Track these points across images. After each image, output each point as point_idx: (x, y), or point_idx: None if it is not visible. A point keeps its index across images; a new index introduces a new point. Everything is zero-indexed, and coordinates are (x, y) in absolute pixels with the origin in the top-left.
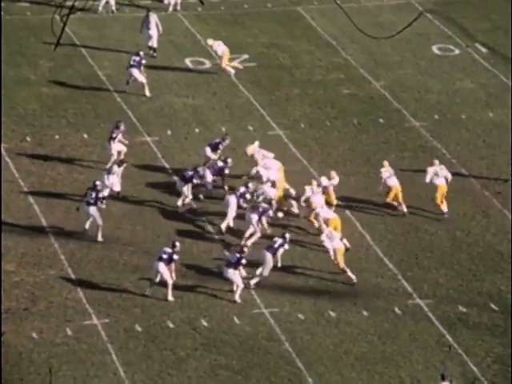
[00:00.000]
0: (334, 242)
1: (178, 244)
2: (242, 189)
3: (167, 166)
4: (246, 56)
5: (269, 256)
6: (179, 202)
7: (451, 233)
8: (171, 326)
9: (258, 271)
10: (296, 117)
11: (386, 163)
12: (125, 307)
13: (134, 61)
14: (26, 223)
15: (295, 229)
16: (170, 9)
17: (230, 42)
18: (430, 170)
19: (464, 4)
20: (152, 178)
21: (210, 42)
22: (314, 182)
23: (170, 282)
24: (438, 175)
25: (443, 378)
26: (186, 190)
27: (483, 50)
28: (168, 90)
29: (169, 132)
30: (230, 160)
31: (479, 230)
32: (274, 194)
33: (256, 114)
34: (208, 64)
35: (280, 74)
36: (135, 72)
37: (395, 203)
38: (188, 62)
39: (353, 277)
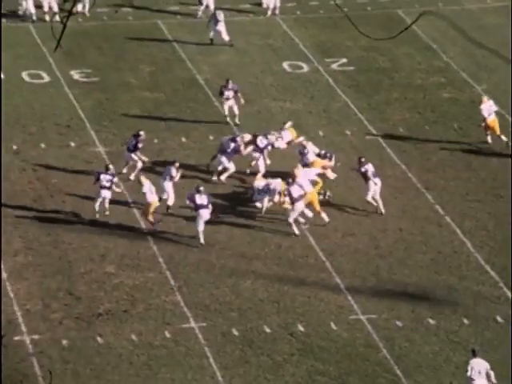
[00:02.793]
0: (153, 195)
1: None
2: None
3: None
4: (344, 60)
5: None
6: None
7: None
8: (268, 330)
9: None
10: (395, 121)
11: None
12: (222, 311)
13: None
14: (125, 226)
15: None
16: (269, 13)
17: (329, 45)
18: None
19: None
20: (250, 182)
21: None
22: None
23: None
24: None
25: (474, 354)
26: (226, 161)
27: None
28: (266, 93)
29: None
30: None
31: None
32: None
33: (354, 119)
34: (306, 68)
35: (379, 77)
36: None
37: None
38: (286, 65)
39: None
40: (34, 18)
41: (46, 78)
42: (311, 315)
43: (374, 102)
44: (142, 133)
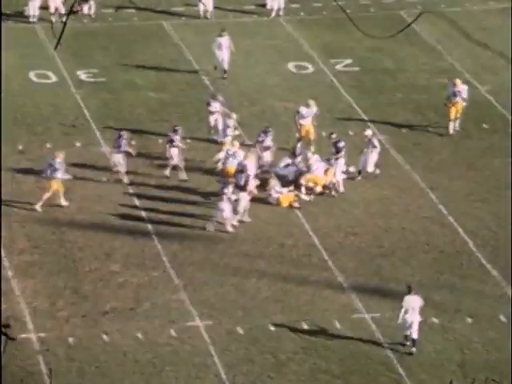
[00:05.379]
0: None
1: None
2: None
3: (268, 169)
4: (349, 60)
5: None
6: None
7: None
8: (272, 329)
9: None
10: (398, 122)
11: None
12: (227, 309)
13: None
14: (131, 225)
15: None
16: (273, 14)
17: (334, 46)
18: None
19: None
20: None
21: None
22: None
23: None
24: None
25: (409, 291)
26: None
27: None
28: (270, 94)
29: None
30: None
31: None
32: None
33: (357, 119)
34: (311, 69)
35: (383, 78)
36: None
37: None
38: (291, 66)
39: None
40: (35, 19)
41: (53, 78)
42: (315, 314)
43: (378, 102)
44: (177, 128)
